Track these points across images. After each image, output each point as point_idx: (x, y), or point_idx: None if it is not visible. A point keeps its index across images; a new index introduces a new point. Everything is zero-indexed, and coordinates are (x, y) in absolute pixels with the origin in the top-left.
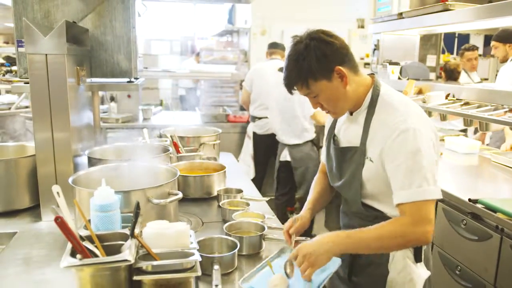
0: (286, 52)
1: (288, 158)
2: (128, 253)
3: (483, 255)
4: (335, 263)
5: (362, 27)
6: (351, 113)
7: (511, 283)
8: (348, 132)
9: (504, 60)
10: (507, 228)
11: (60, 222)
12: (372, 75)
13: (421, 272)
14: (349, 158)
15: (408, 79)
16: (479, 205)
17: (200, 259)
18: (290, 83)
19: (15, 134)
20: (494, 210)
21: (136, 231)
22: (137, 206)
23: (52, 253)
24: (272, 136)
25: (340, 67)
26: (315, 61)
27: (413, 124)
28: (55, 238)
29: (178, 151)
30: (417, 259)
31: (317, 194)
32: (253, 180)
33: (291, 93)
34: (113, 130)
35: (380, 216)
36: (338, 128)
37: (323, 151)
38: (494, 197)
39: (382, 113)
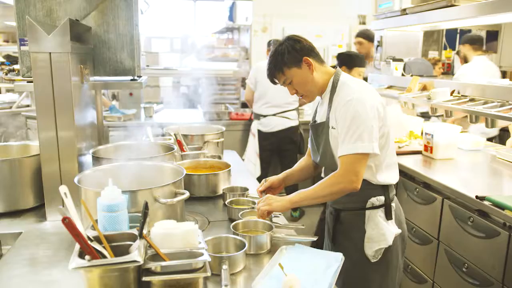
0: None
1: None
2: (137, 253)
3: (491, 253)
4: (337, 259)
5: (364, 23)
6: (321, 97)
7: None
8: (319, 112)
9: (367, 58)
10: None
11: (67, 222)
12: (334, 67)
13: (392, 228)
14: (320, 132)
15: (412, 75)
16: (486, 202)
17: (210, 259)
18: (272, 74)
19: (17, 133)
20: (502, 207)
21: (144, 231)
22: (146, 206)
23: (58, 253)
24: (277, 133)
25: (307, 57)
26: (287, 53)
27: (358, 95)
28: (60, 238)
29: (182, 150)
30: (388, 217)
31: (295, 168)
32: (258, 178)
33: (274, 83)
34: (115, 129)
35: None
36: (317, 113)
37: (310, 138)
38: (500, 194)
39: (340, 91)
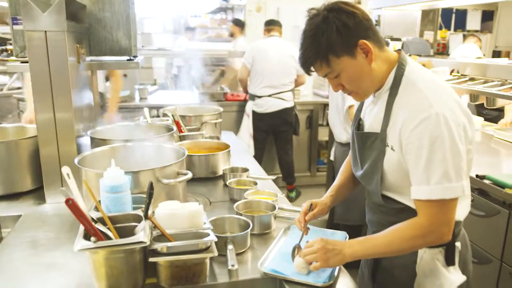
0: (302, 28)
1: (332, 158)
2: (143, 234)
3: (490, 231)
4: (343, 238)
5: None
6: (374, 94)
7: None
8: (371, 116)
9: None
10: None
11: (71, 204)
12: (399, 51)
13: (453, 278)
14: (370, 145)
15: (410, 55)
16: (486, 181)
17: (216, 240)
18: (307, 62)
19: (8, 116)
20: (502, 185)
21: (148, 212)
22: (151, 186)
23: (60, 235)
24: (272, 114)
25: (365, 41)
26: (336, 34)
27: (438, 108)
28: (61, 220)
29: (180, 130)
30: (449, 262)
31: (341, 181)
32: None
33: (308, 74)
34: None
35: (404, 209)
36: (364, 110)
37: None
38: (499, 173)
39: (405, 94)
